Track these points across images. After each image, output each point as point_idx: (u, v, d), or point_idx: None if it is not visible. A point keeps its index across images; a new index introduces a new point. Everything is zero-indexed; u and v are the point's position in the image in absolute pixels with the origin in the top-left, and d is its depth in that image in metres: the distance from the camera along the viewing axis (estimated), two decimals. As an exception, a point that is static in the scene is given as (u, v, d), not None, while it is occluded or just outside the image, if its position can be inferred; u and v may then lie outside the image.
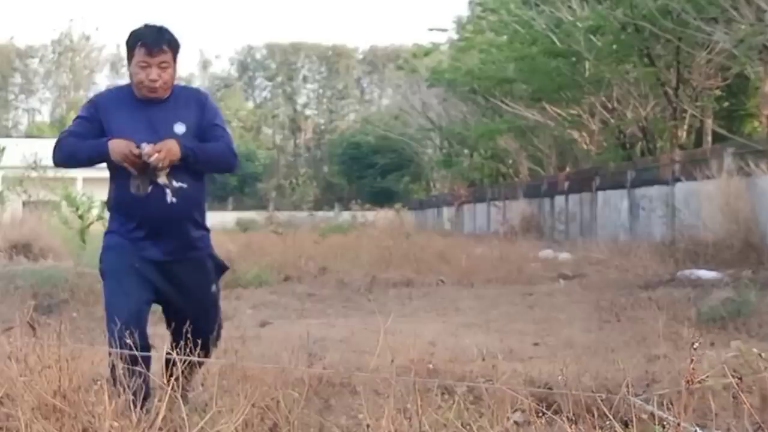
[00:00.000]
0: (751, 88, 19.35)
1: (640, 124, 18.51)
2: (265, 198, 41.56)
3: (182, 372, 2.52)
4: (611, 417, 2.32)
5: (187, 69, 53.77)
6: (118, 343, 2.62)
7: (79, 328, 4.82)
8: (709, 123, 18.28)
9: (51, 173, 14.97)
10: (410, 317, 6.16)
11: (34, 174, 14.82)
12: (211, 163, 2.96)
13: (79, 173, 19.68)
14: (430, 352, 3.50)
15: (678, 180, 13.09)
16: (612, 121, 19.75)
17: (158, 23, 2.97)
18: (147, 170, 2.75)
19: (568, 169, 22.11)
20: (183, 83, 3.28)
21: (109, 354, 2.67)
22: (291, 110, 57.63)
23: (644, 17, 14.87)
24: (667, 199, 13.42)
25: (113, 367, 2.57)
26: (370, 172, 45.43)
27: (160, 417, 2.41)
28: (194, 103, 2.98)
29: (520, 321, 5.88)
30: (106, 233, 2.99)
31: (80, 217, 11.95)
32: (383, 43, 60.84)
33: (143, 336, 2.74)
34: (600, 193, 16.54)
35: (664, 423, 2.33)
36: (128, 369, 2.51)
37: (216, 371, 2.90)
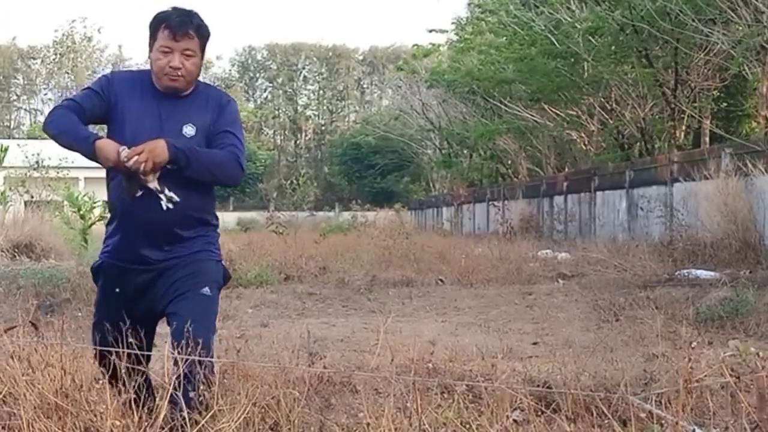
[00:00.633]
0: (748, 89, 19.38)
1: (639, 124, 18.53)
2: (265, 198, 41.51)
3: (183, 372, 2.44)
4: (610, 416, 2.34)
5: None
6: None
7: (81, 327, 4.84)
8: (707, 123, 18.32)
9: (53, 173, 14.99)
10: (410, 317, 6.17)
11: (36, 174, 14.82)
12: (210, 171, 2.60)
13: (81, 173, 19.67)
14: (429, 351, 3.51)
15: (676, 180, 13.11)
16: (610, 121, 19.77)
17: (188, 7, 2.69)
18: (135, 175, 2.50)
19: (566, 169, 22.13)
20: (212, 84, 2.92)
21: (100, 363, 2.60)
22: (291, 111, 57.66)
23: (642, 18, 14.90)
24: (665, 199, 13.44)
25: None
26: (370, 172, 45.47)
27: (161, 416, 2.42)
28: (214, 105, 2.68)
29: (520, 320, 5.90)
30: (101, 253, 2.75)
31: (82, 217, 11.97)
32: (383, 44, 60.84)
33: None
34: (599, 194, 16.56)
35: (663, 422, 2.34)
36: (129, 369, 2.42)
37: (217, 370, 2.91)
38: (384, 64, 54.91)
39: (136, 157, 2.44)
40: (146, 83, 2.66)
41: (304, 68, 58.26)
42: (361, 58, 58.72)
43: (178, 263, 2.63)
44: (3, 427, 2.55)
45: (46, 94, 56.51)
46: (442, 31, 31.09)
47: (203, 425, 2.37)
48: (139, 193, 2.54)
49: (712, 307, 5.39)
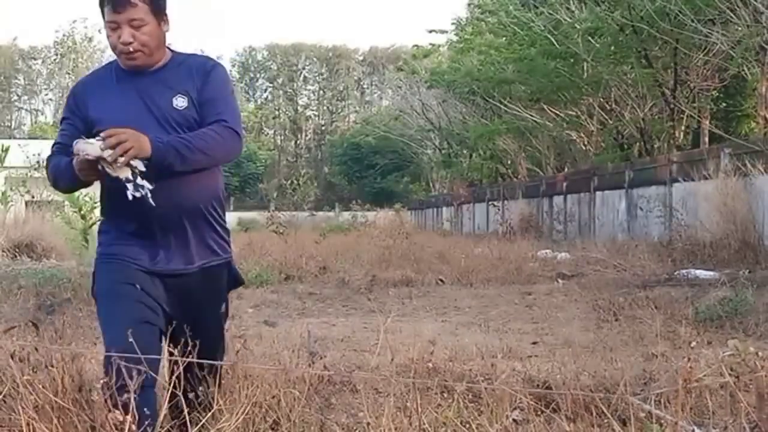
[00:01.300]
0: (748, 89, 19.41)
1: (638, 124, 18.54)
2: (266, 198, 41.56)
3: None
4: (609, 415, 2.35)
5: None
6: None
7: (82, 327, 4.85)
8: (707, 124, 18.33)
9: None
10: (410, 316, 6.18)
11: (37, 174, 14.82)
12: (207, 156, 2.32)
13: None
14: (429, 351, 3.51)
15: (675, 180, 13.12)
16: (610, 121, 19.79)
17: None
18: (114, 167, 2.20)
19: (566, 169, 22.13)
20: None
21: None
22: (292, 111, 57.69)
23: (642, 19, 14.91)
24: (664, 199, 13.45)
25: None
26: (371, 172, 45.51)
27: (162, 415, 2.42)
28: (198, 73, 2.42)
29: (519, 320, 5.90)
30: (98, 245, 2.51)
31: (83, 217, 11.98)
32: (383, 44, 60.86)
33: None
34: (598, 194, 16.57)
35: (662, 421, 2.35)
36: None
37: (217, 370, 2.91)
38: (384, 64, 54.94)
39: (111, 141, 2.15)
40: (115, 71, 2.44)
41: (304, 68, 58.29)
42: (361, 58, 58.75)
43: (184, 272, 2.41)
44: (3, 428, 2.55)
45: (46, 95, 56.59)
46: (442, 32, 31.17)
47: (204, 425, 2.37)
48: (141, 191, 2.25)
49: (711, 307, 5.40)
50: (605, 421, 2.34)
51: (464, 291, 7.95)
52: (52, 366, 2.62)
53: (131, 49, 2.34)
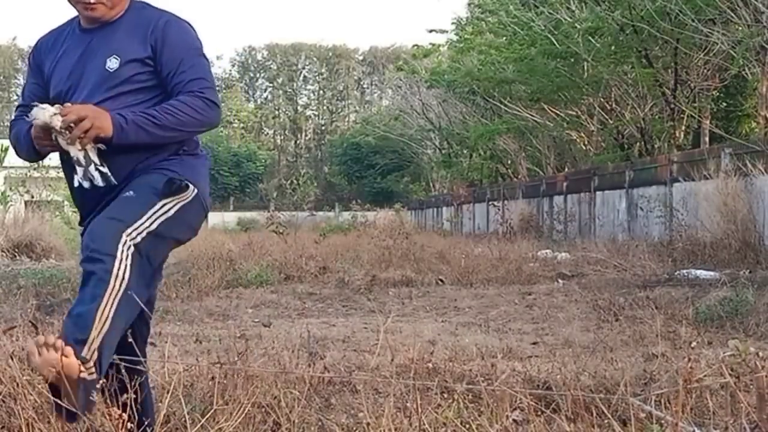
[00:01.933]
0: (748, 89, 19.40)
1: (638, 124, 18.54)
2: (265, 198, 41.54)
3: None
4: (609, 416, 2.34)
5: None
6: None
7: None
8: (707, 123, 18.33)
9: (53, 173, 15.04)
10: (410, 317, 6.18)
11: (36, 174, 14.83)
12: (178, 131, 2.08)
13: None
14: (429, 351, 3.52)
15: (676, 180, 13.12)
16: (610, 121, 19.79)
17: None
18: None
19: (566, 169, 22.13)
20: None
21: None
22: (291, 111, 57.69)
23: (642, 19, 14.91)
24: (665, 199, 13.45)
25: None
26: (370, 172, 45.52)
27: (162, 414, 2.42)
28: (149, 32, 2.12)
29: (519, 320, 5.90)
30: None
31: (82, 216, 11.95)
32: (383, 44, 60.91)
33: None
34: (598, 194, 16.57)
35: (662, 422, 2.35)
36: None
37: (218, 370, 2.91)
38: (384, 64, 54.93)
39: (70, 118, 1.96)
40: (76, 25, 2.23)
41: (304, 68, 58.30)
42: (361, 58, 58.76)
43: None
44: (3, 428, 2.55)
45: (46, 95, 56.60)
46: (442, 32, 31.14)
47: (203, 425, 2.37)
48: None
49: (711, 307, 5.39)
50: (605, 421, 2.34)
51: (464, 291, 7.94)
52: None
53: (92, 1, 2.11)
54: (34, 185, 14.36)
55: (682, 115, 17.27)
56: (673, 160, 13.70)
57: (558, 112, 21.26)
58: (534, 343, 4.79)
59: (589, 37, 16.70)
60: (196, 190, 2.16)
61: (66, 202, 13.06)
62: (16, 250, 10.67)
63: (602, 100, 19.42)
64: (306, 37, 78.83)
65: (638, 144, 19.16)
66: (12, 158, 14.89)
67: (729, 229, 9.84)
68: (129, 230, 1.98)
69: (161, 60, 2.11)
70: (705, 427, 2.55)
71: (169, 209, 2.08)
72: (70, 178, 2.15)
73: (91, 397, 1.93)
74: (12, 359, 2.65)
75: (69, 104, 2.02)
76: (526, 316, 6.14)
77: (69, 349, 1.85)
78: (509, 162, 27.26)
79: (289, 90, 57.85)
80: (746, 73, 15.91)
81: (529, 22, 18.81)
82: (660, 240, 12.01)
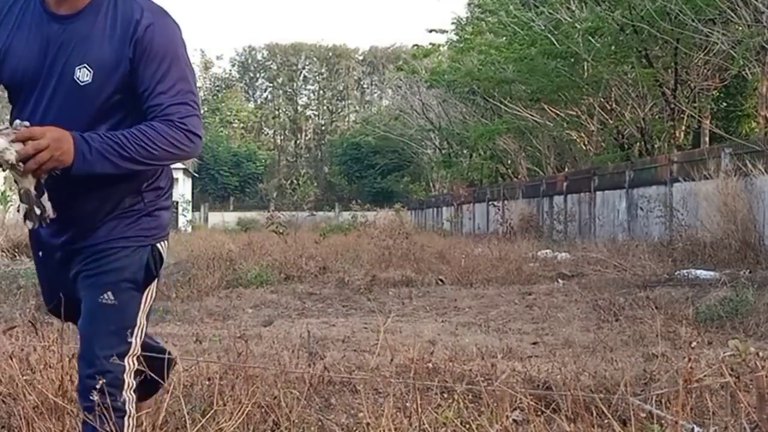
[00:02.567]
0: (748, 89, 19.40)
1: (638, 124, 18.54)
2: (265, 198, 41.54)
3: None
4: (610, 416, 2.34)
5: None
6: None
7: (81, 327, 4.83)
8: (707, 123, 18.33)
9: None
10: (410, 317, 6.18)
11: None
12: (148, 163, 1.80)
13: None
14: (429, 351, 3.52)
15: (676, 180, 13.12)
16: (610, 121, 19.78)
17: None
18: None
19: (566, 169, 22.13)
20: None
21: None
22: (291, 111, 57.69)
23: (642, 19, 14.91)
24: (665, 199, 13.45)
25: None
26: (370, 172, 45.53)
27: (162, 415, 2.42)
28: (130, 32, 1.79)
29: (519, 320, 5.90)
30: None
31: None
32: (383, 44, 60.90)
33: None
34: (598, 194, 16.58)
35: (662, 422, 2.35)
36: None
37: (218, 370, 2.91)
38: (384, 64, 54.93)
39: (27, 150, 1.68)
40: (38, 3, 1.86)
41: (304, 68, 58.28)
42: (361, 58, 58.75)
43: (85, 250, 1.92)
44: (3, 427, 2.55)
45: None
46: (442, 31, 31.11)
47: (203, 425, 2.37)
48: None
49: (711, 307, 5.39)
50: (605, 421, 2.34)
51: (464, 291, 7.94)
52: (51, 366, 2.63)
53: None
54: (34, 185, 14.37)
55: (682, 115, 17.26)
56: (673, 160, 13.70)
57: (558, 112, 21.26)
58: (534, 343, 4.78)
59: (589, 37, 16.70)
60: (165, 251, 2.01)
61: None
62: (16, 250, 10.69)
63: (602, 100, 19.42)
64: (306, 37, 78.89)
65: (638, 144, 19.16)
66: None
67: (729, 229, 9.84)
68: (131, 352, 1.91)
69: (138, 72, 1.80)
70: (705, 427, 2.55)
71: (150, 293, 1.98)
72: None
73: None
74: (12, 359, 2.66)
75: (26, 125, 1.72)
76: (526, 316, 6.14)
77: None
78: (509, 162, 27.26)
79: (289, 90, 57.85)
80: (746, 73, 15.91)
81: (529, 22, 18.81)
82: (660, 240, 12.01)
